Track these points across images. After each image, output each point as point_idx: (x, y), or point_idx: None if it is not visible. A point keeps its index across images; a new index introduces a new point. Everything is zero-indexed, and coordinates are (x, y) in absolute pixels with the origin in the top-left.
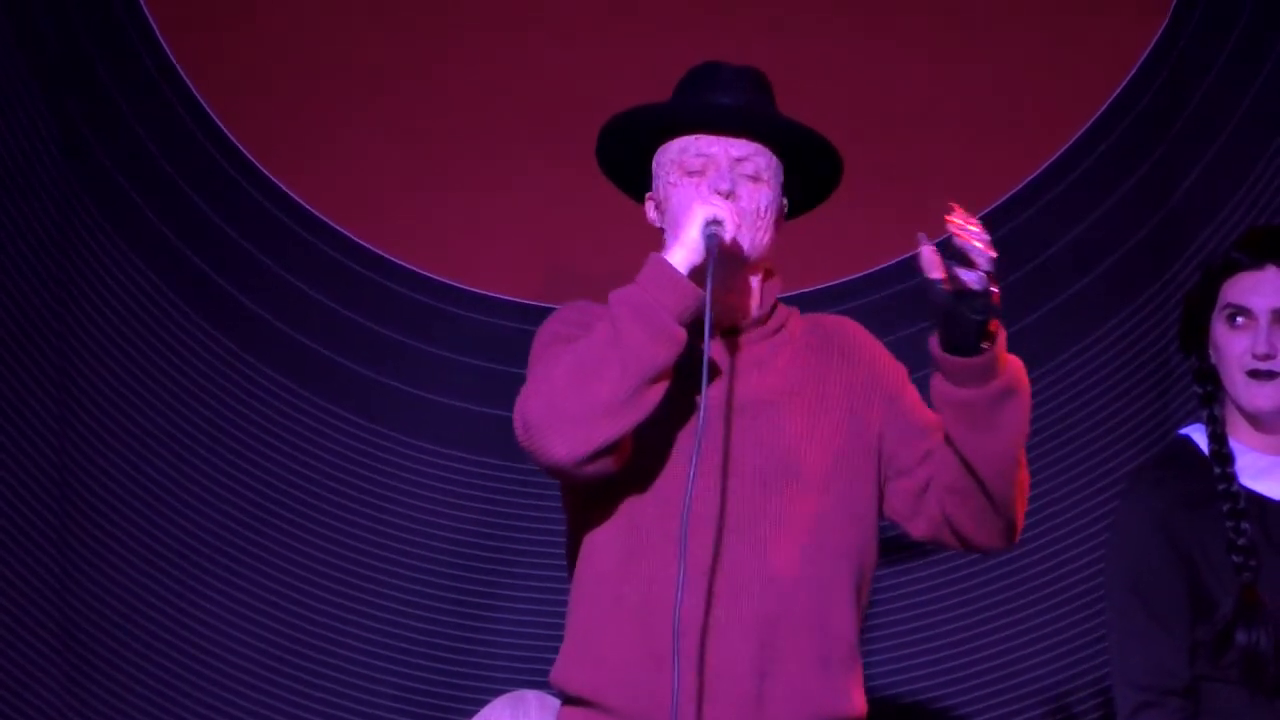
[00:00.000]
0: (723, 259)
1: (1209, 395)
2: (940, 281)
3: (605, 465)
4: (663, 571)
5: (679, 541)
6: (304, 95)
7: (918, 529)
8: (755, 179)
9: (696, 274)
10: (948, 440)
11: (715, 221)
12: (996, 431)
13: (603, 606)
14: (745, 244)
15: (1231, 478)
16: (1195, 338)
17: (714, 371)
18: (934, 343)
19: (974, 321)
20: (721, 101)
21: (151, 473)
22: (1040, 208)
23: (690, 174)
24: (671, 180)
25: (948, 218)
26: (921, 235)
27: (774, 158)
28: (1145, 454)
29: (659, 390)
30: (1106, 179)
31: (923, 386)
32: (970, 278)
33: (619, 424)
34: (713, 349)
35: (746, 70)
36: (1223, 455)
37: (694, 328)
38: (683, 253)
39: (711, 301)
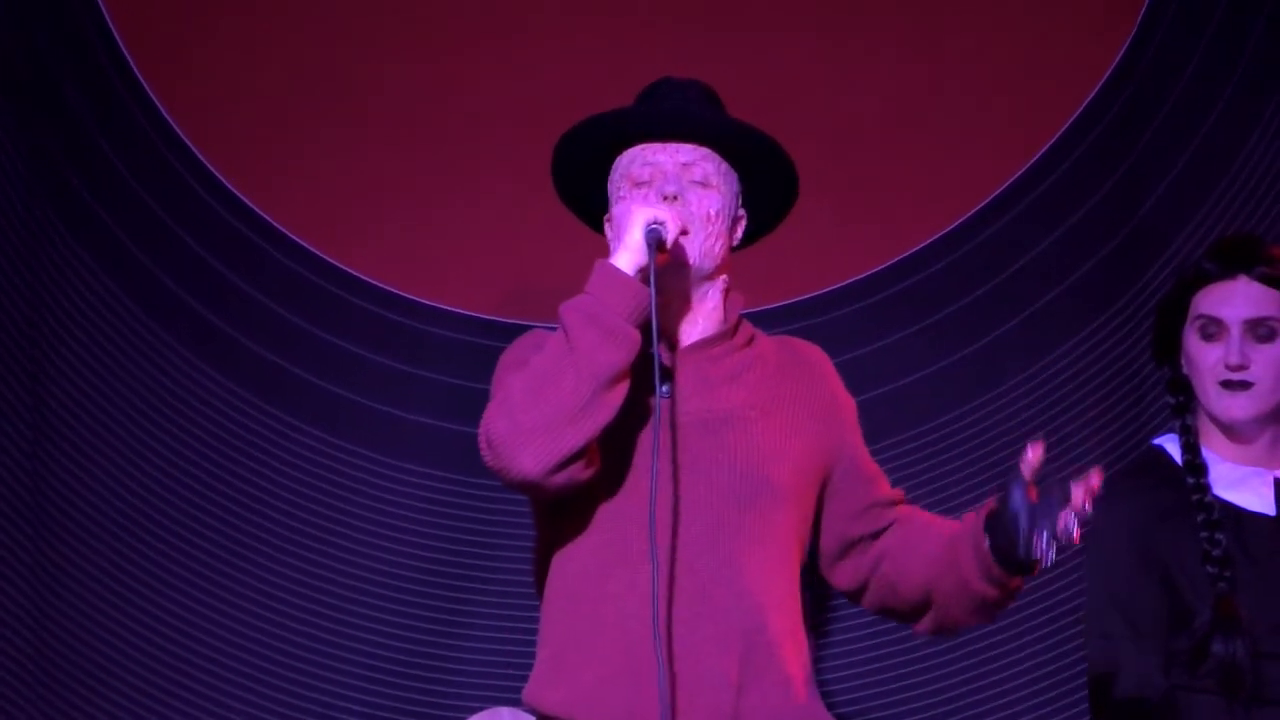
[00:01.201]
0: (672, 264)
1: (1181, 405)
2: (1026, 485)
3: (574, 474)
4: (636, 588)
5: (650, 556)
6: (270, 111)
7: (839, 579)
8: (704, 184)
9: (645, 277)
10: (926, 578)
11: (657, 223)
12: (982, 614)
13: (576, 623)
14: (695, 249)
15: (1205, 488)
16: (1168, 348)
17: (687, 385)
18: (983, 516)
19: (1027, 558)
20: (664, 107)
21: (123, 491)
22: (1012, 218)
23: (639, 184)
24: (621, 193)
25: (1091, 480)
26: (1038, 438)
27: (723, 163)
28: (1119, 464)
29: (619, 393)
30: (1077, 189)
31: (892, 403)
32: (1046, 552)
33: (583, 430)
34: (686, 362)
35: (692, 82)
36: (1196, 466)
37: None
38: (627, 255)
39: (664, 307)
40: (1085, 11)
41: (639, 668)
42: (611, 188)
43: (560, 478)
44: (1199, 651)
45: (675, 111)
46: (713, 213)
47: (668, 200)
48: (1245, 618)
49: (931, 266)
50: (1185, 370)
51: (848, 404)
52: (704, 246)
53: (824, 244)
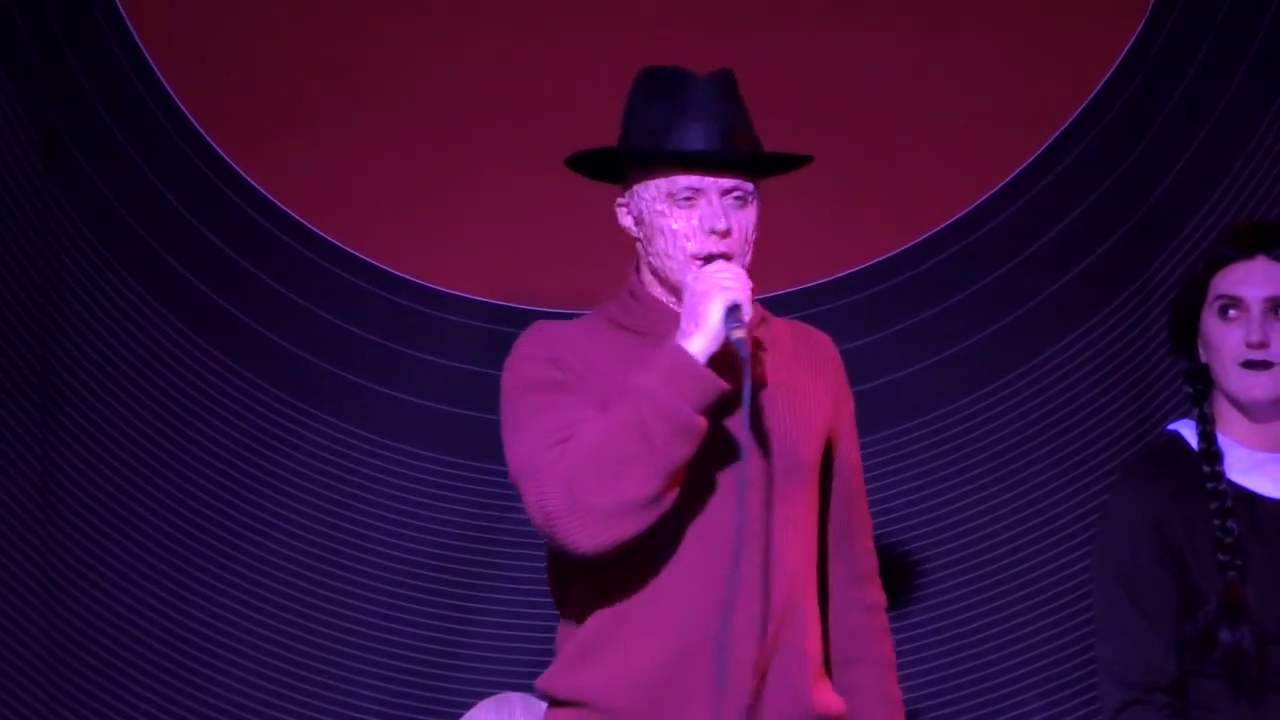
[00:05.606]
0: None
1: (1199, 394)
2: None
3: (623, 550)
4: (678, 580)
5: (701, 547)
6: (283, 98)
7: None
8: (743, 202)
9: (715, 358)
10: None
11: (736, 306)
12: None
13: (611, 612)
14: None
15: (1220, 475)
16: (1185, 336)
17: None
18: None
19: None
20: (701, 146)
21: (134, 477)
22: (1020, 206)
23: (680, 203)
24: (659, 208)
25: None
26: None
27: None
28: (1126, 453)
29: (681, 477)
30: (1087, 176)
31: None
32: None
33: (646, 519)
34: None
35: (716, 84)
36: (1212, 453)
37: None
38: (703, 340)
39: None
40: (1094, 2)
41: (688, 651)
42: (642, 189)
43: (612, 555)
44: (1206, 639)
45: (724, 153)
46: (752, 229)
47: (717, 236)
48: (1255, 605)
49: (940, 254)
50: (1203, 357)
51: (850, 400)
52: (745, 262)
53: (833, 230)
